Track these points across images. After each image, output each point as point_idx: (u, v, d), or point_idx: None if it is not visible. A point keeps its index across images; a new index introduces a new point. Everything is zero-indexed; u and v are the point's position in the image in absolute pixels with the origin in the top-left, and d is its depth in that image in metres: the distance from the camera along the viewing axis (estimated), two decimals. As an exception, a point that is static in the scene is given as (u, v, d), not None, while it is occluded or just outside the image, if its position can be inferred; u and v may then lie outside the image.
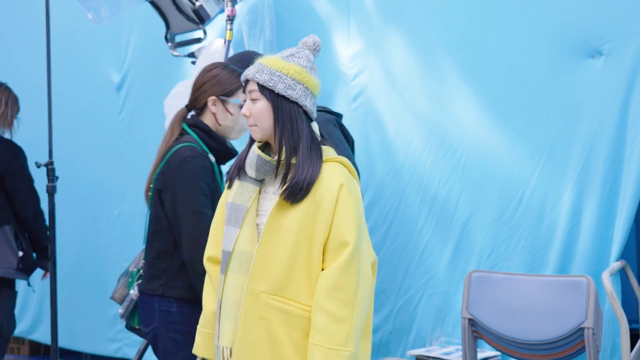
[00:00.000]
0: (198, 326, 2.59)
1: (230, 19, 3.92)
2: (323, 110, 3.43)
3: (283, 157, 2.36)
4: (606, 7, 3.41)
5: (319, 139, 2.43)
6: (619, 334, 3.33)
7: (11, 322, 4.45)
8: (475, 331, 3.36)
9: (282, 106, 2.35)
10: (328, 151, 2.43)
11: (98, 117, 5.22)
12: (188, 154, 2.88)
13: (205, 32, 4.14)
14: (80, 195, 5.24)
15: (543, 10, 3.57)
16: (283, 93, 2.34)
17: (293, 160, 2.36)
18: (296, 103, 2.35)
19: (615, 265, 3.24)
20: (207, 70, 3.03)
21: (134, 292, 3.03)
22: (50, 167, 4.06)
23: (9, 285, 4.41)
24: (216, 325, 2.44)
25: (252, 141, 2.46)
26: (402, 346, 3.95)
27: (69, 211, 5.02)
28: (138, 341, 5.00)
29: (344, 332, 2.29)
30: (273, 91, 2.34)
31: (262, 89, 2.35)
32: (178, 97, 3.98)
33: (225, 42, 3.93)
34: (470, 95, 3.79)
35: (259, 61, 2.39)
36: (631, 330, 3.19)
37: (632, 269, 3.57)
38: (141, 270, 3.05)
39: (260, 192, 2.45)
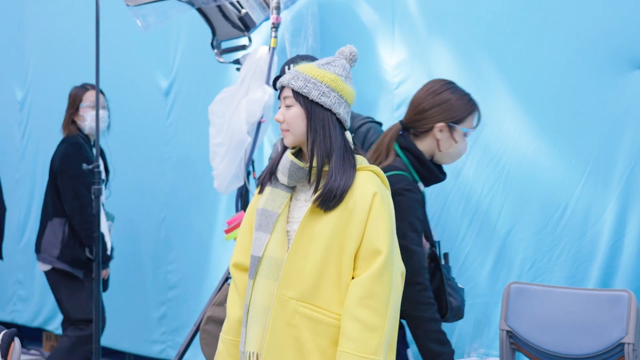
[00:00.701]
0: (221, 333, 2.60)
1: (275, 26, 3.94)
2: (372, 121, 3.42)
3: (315, 164, 2.38)
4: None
5: (352, 147, 2.44)
6: (660, 350, 3.28)
7: (78, 309, 4.53)
8: (514, 343, 3.33)
9: (316, 113, 2.37)
10: (361, 160, 2.44)
11: (146, 122, 5.30)
12: (401, 185, 2.80)
13: (250, 39, 4.17)
14: (127, 199, 5.32)
15: (588, 21, 3.54)
16: (317, 100, 2.36)
17: (325, 168, 2.38)
18: (329, 110, 2.38)
19: (658, 280, 3.19)
20: (436, 92, 2.90)
21: None
22: (96, 169, 4.12)
23: (72, 277, 4.51)
24: (242, 330, 2.45)
25: (285, 147, 2.48)
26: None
27: (118, 213, 5.08)
28: (181, 343, 5.05)
29: (375, 341, 2.29)
30: (307, 98, 2.37)
31: (297, 95, 2.38)
32: (222, 104, 4.03)
33: (269, 49, 3.95)
34: (513, 105, 3.76)
35: (295, 68, 2.43)
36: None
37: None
38: None
39: (291, 199, 2.46)
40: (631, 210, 3.43)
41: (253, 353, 2.40)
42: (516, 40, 3.77)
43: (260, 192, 2.50)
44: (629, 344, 3.01)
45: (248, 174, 4.04)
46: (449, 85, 2.89)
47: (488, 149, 3.83)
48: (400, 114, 4.09)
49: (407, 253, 2.69)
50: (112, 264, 4.72)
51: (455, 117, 2.82)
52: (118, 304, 5.20)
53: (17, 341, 2.48)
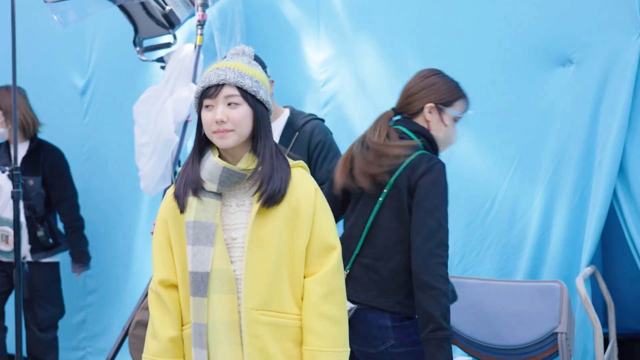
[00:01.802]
0: (147, 355, 2.38)
1: (201, 23, 3.88)
2: (315, 118, 3.38)
3: (253, 165, 2.31)
4: (576, 17, 3.46)
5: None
6: (590, 338, 3.38)
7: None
8: (449, 337, 3.37)
9: (261, 111, 2.33)
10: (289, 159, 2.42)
11: (62, 122, 5.13)
12: (437, 164, 2.72)
13: (175, 37, 4.09)
14: (43, 202, 5.14)
15: (513, 18, 3.61)
16: (261, 98, 2.32)
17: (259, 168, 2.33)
18: (267, 109, 2.36)
19: (587, 270, 3.28)
20: (425, 76, 2.90)
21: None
22: (15, 172, 3.97)
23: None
24: (197, 351, 2.30)
25: (196, 154, 2.37)
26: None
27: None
28: (102, 349, 4.93)
29: (342, 333, 2.33)
30: (255, 97, 2.31)
31: (245, 94, 2.30)
32: (147, 103, 3.95)
33: (195, 46, 3.89)
34: (441, 102, 3.80)
35: (227, 66, 2.33)
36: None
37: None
38: None
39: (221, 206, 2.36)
40: (557, 203, 3.52)
41: None
42: (442, 37, 3.81)
43: (180, 205, 2.34)
44: (562, 333, 3.10)
45: (175, 174, 3.97)
46: (438, 71, 2.94)
47: (416, 145, 3.86)
48: (327, 111, 4.09)
49: (439, 226, 2.64)
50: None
51: (443, 99, 2.84)
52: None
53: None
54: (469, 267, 3.72)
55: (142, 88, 4.47)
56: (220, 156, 2.35)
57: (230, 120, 2.28)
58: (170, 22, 3.96)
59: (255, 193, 2.31)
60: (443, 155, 3.75)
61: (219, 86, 2.29)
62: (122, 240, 4.89)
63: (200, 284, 2.28)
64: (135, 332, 3.77)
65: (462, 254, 3.74)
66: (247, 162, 2.32)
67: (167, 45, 4.14)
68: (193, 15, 4.04)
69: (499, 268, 3.65)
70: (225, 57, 2.45)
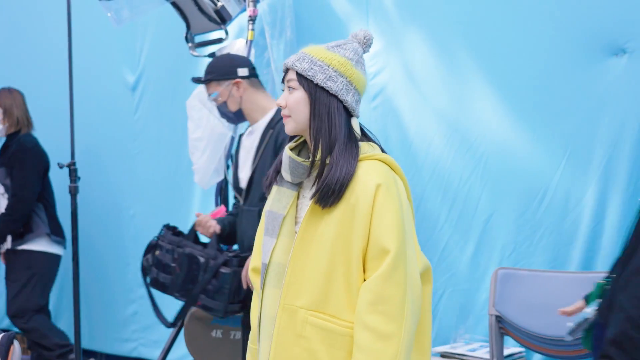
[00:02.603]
0: (248, 342, 2.39)
1: (252, 19, 3.94)
2: None
3: (318, 156, 2.17)
4: (630, 6, 3.44)
5: (359, 136, 2.23)
6: (644, 329, 3.36)
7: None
8: (502, 328, 3.39)
9: (321, 98, 2.17)
10: (368, 148, 2.22)
11: (113, 117, 5.22)
12: None
13: (227, 32, 4.14)
14: (96, 196, 5.24)
15: (565, 8, 3.60)
16: (322, 84, 2.16)
17: (327, 160, 2.16)
18: (336, 97, 2.17)
19: (641, 261, 3.26)
20: None
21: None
22: (72, 167, 4.07)
23: None
24: (257, 344, 2.27)
25: (290, 139, 2.31)
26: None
27: (85, 210, 5.01)
28: (154, 341, 5.01)
29: (391, 350, 2.05)
30: (312, 82, 2.16)
31: (301, 78, 2.18)
32: (200, 98, 4.00)
33: (247, 42, 3.94)
34: (491, 93, 3.81)
35: (302, 50, 2.24)
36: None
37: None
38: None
39: (298, 197, 2.26)
40: (610, 194, 3.51)
41: None
42: (492, 28, 3.81)
43: (268, 193, 2.32)
44: (616, 323, 3.09)
45: (227, 167, 4.03)
46: None
47: (466, 136, 3.88)
48: (377, 103, 4.12)
49: None
50: (82, 261, 4.64)
51: None
52: (88, 302, 5.13)
53: (16, 344, 2.44)
54: (521, 258, 3.72)
55: (192, 84, 4.53)
56: (302, 144, 2.28)
57: (288, 105, 2.21)
58: (221, 18, 4.01)
59: (312, 183, 2.20)
60: (490, 146, 3.80)
61: (287, 70, 2.24)
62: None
63: (262, 275, 2.25)
64: (190, 324, 3.84)
65: (514, 245, 3.74)
66: (309, 152, 2.22)
67: (219, 40, 4.19)
68: (244, 10, 4.09)
69: (552, 259, 3.65)
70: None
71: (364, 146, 2.22)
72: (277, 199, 2.26)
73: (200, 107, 3.96)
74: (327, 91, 2.17)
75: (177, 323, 3.87)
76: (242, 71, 3.48)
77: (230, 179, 3.86)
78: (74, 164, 4.07)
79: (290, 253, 2.19)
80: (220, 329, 3.82)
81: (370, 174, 2.14)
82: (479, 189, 3.85)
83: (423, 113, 4.00)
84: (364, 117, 4.10)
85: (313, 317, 2.14)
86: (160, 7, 4.10)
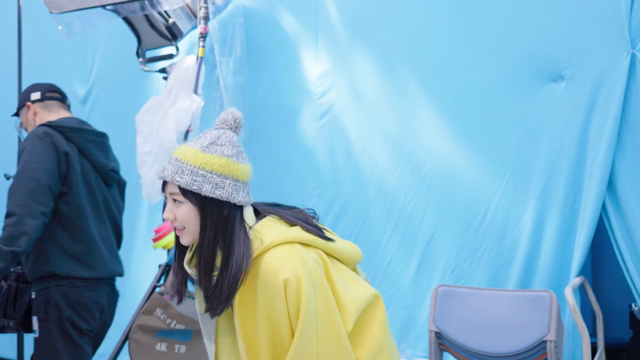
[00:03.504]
0: None
1: (203, 36, 3.98)
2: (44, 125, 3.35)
3: (216, 269, 2.06)
4: (568, 34, 3.55)
5: (253, 225, 2.10)
6: (578, 346, 3.47)
7: None
8: (442, 344, 3.46)
9: (211, 209, 2.04)
10: (266, 233, 2.07)
11: (62, 130, 5.21)
12: None
13: (177, 49, 4.19)
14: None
15: (508, 34, 3.70)
16: (210, 195, 2.02)
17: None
18: (227, 202, 2.05)
19: (576, 280, 3.37)
20: None
21: None
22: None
23: None
24: None
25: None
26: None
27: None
28: (98, 354, 4.95)
29: None
30: (198, 194, 2.02)
31: (185, 192, 2.03)
32: (150, 112, 4.04)
33: (197, 58, 3.98)
34: (436, 115, 3.90)
35: (175, 156, 2.06)
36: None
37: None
38: None
39: None
40: (548, 215, 3.60)
41: None
42: (437, 50, 3.90)
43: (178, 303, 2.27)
44: (551, 341, 3.19)
45: (175, 182, 4.05)
46: None
47: (410, 157, 3.96)
48: (324, 122, 4.19)
49: None
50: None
51: None
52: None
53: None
54: (462, 276, 3.80)
55: (142, 98, 4.56)
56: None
57: (177, 218, 2.06)
58: (172, 34, 4.05)
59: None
60: (433, 166, 3.88)
61: (165, 182, 2.07)
62: (122, 247, 4.94)
63: None
64: (135, 336, 3.85)
65: (456, 263, 3.82)
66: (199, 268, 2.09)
67: (170, 56, 4.23)
68: (195, 27, 4.13)
69: (491, 277, 3.73)
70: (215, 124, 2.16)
71: (262, 230, 2.08)
72: (199, 301, 2.16)
73: (150, 121, 3.99)
74: (218, 199, 2.04)
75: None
76: (35, 95, 3.55)
77: None
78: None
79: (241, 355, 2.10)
80: (165, 342, 3.83)
81: (272, 269, 2.02)
82: (423, 207, 3.93)
83: (369, 132, 4.07)
84: (310, 135, 4.20)
85: None
86: (112, 21, 4.12)
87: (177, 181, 2.01)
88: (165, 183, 2.07)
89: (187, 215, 2.04)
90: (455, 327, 3.41)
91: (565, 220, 3.56)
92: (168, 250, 3.99)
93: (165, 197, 2.10)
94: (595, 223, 3.45)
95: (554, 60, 3.57)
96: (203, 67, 3.99)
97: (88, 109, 5.11)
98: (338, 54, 4.18)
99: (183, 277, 2.18)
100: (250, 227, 2.08)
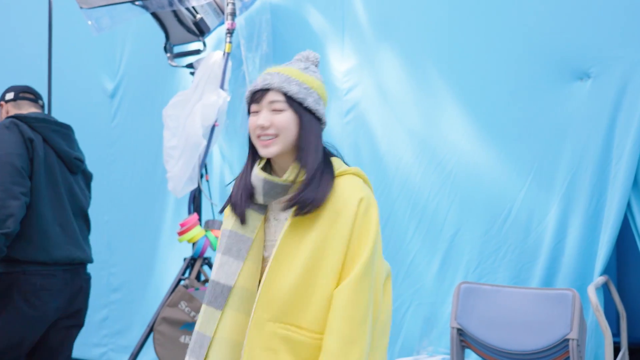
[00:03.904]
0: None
1: (230, 32, 4.01)
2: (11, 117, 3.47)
3: (301, 177, 2.17)
4: (594, 32, 3.54)
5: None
6: (601, 345, 3.46)
7: None
8: (463, 341, 3.46)
9: (310, 121, 2.19)
10: (340, 163, 2.26)
11: (91, 124, 5.27)
12: None
13: (204, 44, 4.22)
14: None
15: (534, 32, 3.70)
16: (311, 107, 2.19)
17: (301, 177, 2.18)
18: (319, 120, 2.22)
19: (599, 279, 3.36)
20: None
21: None
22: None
23: None
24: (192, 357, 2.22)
25: (248, 161, 2.26)
26: (389, 355, 4.02)
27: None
28: (123, 346, 5.05)
29: (355, 355, 2.07)
30: (302, 104, 2.17)
31: (291, 100, 2.17)
32: (176, 107, 4.07)
33: (224, 54, 4.01)
34: (461, 113, 3.91)
35: (277, 71, 2.21)
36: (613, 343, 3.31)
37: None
38: None
39: (265, 219, 2.26)
40: (572, 213, 3.60)
41: None
42: (464, 48, 3.91)
43: (231, 211, 2.27)
44: (573, 339, 3.18)
45: (201, 176, 4.09)
46: None
47: (435, 154, 3.97)
48: (349, 119, 4.20)
49: None
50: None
51: None
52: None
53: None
54: (485, 274, 3.80)
55: (169, 93, 4.61)
56: (267, 165, 2.26)
57: (274, 125, 2.17)
58: (200, 30, 4.08)
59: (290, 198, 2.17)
60: (458, 164, 3.88)
61: (264, 91, 2.19)
62: (147, 240, 5.01)
63: (219, 295, 2.21)
64: (160, 328, 3.90)
65: (479, 261, 3.82)
66: (291, 173, 2.19)
67: (197, 52, 4.27)
68: (222, 23, 4.17)
69: (514, 275, 3.73)
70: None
71: (335, 161, 2.26)
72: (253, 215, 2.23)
73: (177, 116, 4.03)
74: (314, 114, 2.20)
75: None
76: (9, 95, 3.66)
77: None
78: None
79: (264, 279, 2.16)
80: (189, 335, 3.87)
81: (349, 189, 2.18)
82: (447, 205, 3.93)
83: (394, 129, 4.08)
84: (336, 131, 4.21)
85: (281, 329, 2.13)
86: (141, 17, 4.17)
87: (285, 88, 2.16)
88: (262, 92, 2.19)
89: (287, 121, 2.17)
90: (477, 324, 3.41)
91: (590, 219, 3.55)
92: (193, 244, 4.03)
93: (251, 112, 2.21)
94: (620, 222, 3.44)
95: (580, 59, 3.57)
96: (230, 63, 4.02)
97: (116, 103, 5.17)
98: (364, 51, 4.20)
99: (247, 195, 2.23)
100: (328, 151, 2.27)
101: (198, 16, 4.05)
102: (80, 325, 3.73)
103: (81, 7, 4.00)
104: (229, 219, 2.26)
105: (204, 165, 4.06)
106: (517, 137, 3.75)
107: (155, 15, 4.17)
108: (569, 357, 3.21)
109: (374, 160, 4.13)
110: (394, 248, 4.03)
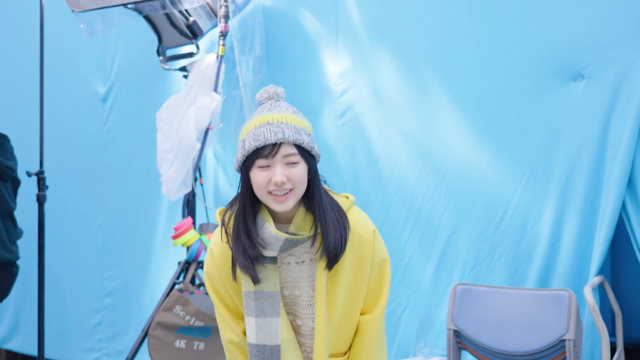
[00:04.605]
0: None
1: (223, 34, 3.99)
2: None
3: (319, 229, 2.18)
4: (589, 33, 3.55)
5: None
6: (597, 346, 3.46)
7: None
8: (460, 342, 3.46)
9: (315, 168, 2.19)
10: (338, 199, 2.29)
11: (83, 128, 5.25)
12: None
13: (198, 47, 4.21)
14: (63, 205, 5.26)
15: (528, 33, 3.70)
16: (314, 154, 2.19)
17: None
18: (317, 161, 2.23)
19: (595, 279, 3.37)
20: None
21: None
22: (40, 176, 4.09)
23: None
24: None
25: (249, 218, 2.19)
26: (385, 357, 4.02)
27: (52, 219, 5.03)
28: (117, 351, 5.03)
29: None
30: (310, 153, 2.16)
31: (303, 151, 2.14)
32: (170, 110, 4.06)
33: (217, 57, 4.00)
34: (455, 114, 3.90)
35: (281, 120, 2.14)
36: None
37: (607, 284, 3.71)
38: None
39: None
40: (567, 214, 3.60)
41: None
42: (458, 49, 3.91)
43: (234, 275, 2.24)
44: (569, 340, 3.18)
45: (195, 180, 4.08)
46: None
47: (430, 156, 3.97)
48: (344, 121, 4.20)
49: None
50: (46, 269, 4.65)
51: None
52: (51, 311, 5.14)
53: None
54: (481, 275, 3.80)
55: (162, 96, 4.59)
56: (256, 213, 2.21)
57: (290, 179, 2.12)
58: (193, 33, 4.07)
59: (317, 252, 2.20)
60: (453, 165, 3.88)
61: (276, 145, 2.11)
62: (141, 244, 4.99)
63: (270, 356, 2.21)
64: (154, 332, 3.88)
65: (475, 262, 3.82)
66: (304, 223, 2.20)
67: (190, 54, 4.26)
68: (215, 26, 4.15)
69: (510, 276, 3.73)
70: (260, 100, 2.24)
71: (335, 196, 2.29)
72: (263, 277, 2.20)
73: (170, 119, 4.01)
74: (315, 159, 2.20)
75: None
76: None
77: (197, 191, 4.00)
78: (42, 172, 4.10)
79: (316, 319, 2.22)
80: (184, 339, 3.86)
81: (361, 221, 2.26)
82: (442, 206, 3.93)
83: (389, 131, 4.08)
84: (330, 134, 4.21)
85: None
86: (133, 20, 4.15)
87: (300, 141, 2.12)
88: (272, 146, 2.10)
89: (302, 174, 2.13)
90: (473, 325, 3.41)
91: (585, 220, 3.56)
92: (187, 248, 4.02)
93: (255, 167, 2.13)
94: (615, 222, 3.45)
95: (574, 59, 3.57)
96: (223, 66, 4.01)
97: (108, 107, 5.14)
98: (358, 52, 4.19)
99: (255, 255, 2.19)
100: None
101: (191, 19, 4.04)
102: None
103: (73, 11, 3.97)
104: (246, 280, 2.21)
105: (197, 169, 4.05)
106: (512, 138, 3.75)
107: (147, 18, 4.15)
108: (565, 358, 3.21)
109: (368, 163, 4.13)
110: (390, 250, 3.92)
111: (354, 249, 2.21)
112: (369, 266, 2.24)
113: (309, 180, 2.17)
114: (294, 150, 2.12)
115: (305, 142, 2.13)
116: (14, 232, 4.13)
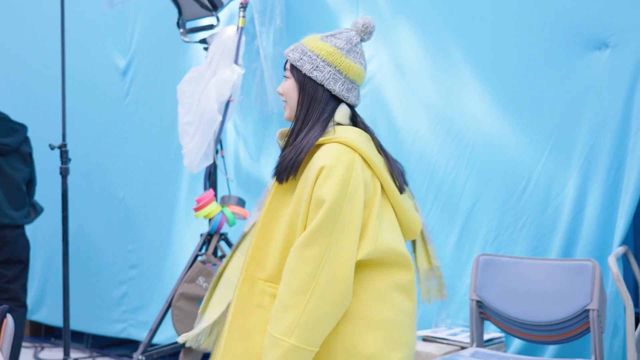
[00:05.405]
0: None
1: (244, 6, 3.98)
2: None
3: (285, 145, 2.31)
4: (613, 1, 3.50)
5: (345, 123, 2.27)
6: (620, 316, 3.46)
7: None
8: (483, 313, 3.47)
9: (307, 87, 2.26)
10: (340, 133, 2.23)
11: (104, 101, 5.27)
12: None
13: (218, 19, 4.19)
14: (85, 179, 5.30)
15: (551, 3, 3.66)
16: (309, 74, 2.25)
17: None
18: (322, 85, 2.25)
19: (619, 249, 3.35)
20: None
21: None
22: (63, 149, 4.12)
23: None
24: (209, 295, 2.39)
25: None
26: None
27: (75, 193, 5.06)
28: (143, 322, 5.08)
29: (286, 321, 2.08)
30: (300, 71, 2.27)
31: (292, 67, 2.29)
32: (191, 83, 4.06)
33: (237, 29, 3.99)
34: (478, 84, 3.88)
35: (302, 39, 2.32)
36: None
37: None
38: None
39: None
40: (591, 184, 3.58)
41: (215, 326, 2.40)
42: (480, 20, 3.87)
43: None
44: (593, 310, 3.18)
45: (217, 152, 4.09)
46: None
47: (452, 126, 3.95)
48: (365, 92, 4.18)
49: None
50: (70, 242, 4.69)
51: None
52: (76, 284, 5.19)
53: (9, 317, 2.50)
54: (504, 246, 3.80)
55: (182, 69, 4.59)
56: None
57: (283, 92, 2.33)
58: (213, 5, 4.05)
59: None
60: (475, 136, 3.86)
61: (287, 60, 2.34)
62: (163, 217, 5.02)
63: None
64: (178, 304, 3.91)
65: (497, 233, 3.82)
66: (284, 139, 2.35)
67: (210, 27, 4.24)
68: (236, -3, 4.14)
69: (533, 247, 3.72)
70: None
71: (337, 130, 2.24)
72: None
73: (191, 92, 4.01)
74: (314, 80, 2.25)
75: None
76: None
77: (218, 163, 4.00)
78: (65, 145, 4.12)
79: (255, 228, 2.29)
80: (208, 310, 3.89)
81: (320, 157, 2.17)
82: (464, 177, 3.92)
83: (410, 102, 4.06)
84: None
85: (270, 288, 2.23)
86: (152, -8, 4.15)
87: (289, 56, 2.28)
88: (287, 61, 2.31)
89: (288, 88, 2.30)
90: (496, 296, 3.41)
91: (608, 190, 3.53)
92: (209, 220, 4.03)
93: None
94: (639, 192, 3.42)
95: (599, 28, 3.53)
96: (243, 38, 4.00)
97: (128, 81, 5.15)
98: (379, 23, 4.15)
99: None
100: (335, 122, 2.26)
101: (211, -9, 4.03)
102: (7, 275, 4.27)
103: (93, -16, 3.97)
104: None
105: (219, 141, 4.05)
106: (535, 109, 3.72)
107: (168, -10, 4.14)
108: (589, 328, 3.21)
109: (390, 133, 4.11)
110: (411, 221, 4.01)
111: (304, 178, 2.20)
112: (305, 200, 2.15)
113: (298, 98, 2.28)
114: (287, 65, 2.31)
115: (293, 58, 2.27)
116: (21, 199, 4.26)
